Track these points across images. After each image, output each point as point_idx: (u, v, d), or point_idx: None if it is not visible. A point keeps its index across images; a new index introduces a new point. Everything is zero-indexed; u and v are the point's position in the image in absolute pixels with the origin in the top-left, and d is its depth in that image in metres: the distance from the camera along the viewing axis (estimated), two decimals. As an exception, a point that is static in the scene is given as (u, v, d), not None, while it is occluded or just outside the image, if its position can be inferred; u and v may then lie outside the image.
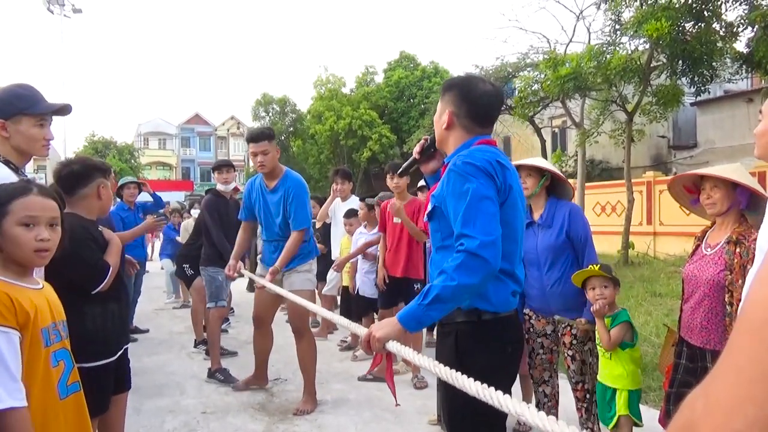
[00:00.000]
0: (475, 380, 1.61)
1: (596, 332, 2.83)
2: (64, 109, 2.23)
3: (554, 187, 3.06)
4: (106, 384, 2.45)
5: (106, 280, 2.39)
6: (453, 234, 1.77)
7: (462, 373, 1.61)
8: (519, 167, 2.86)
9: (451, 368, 1.59)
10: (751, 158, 13.89)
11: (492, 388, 1.31)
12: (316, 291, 6.54)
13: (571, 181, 14.89)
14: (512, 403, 1.20)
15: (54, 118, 2.25)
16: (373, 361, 1.94)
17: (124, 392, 2.71)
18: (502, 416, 1.74)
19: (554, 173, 3.02)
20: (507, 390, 1.81)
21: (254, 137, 3.86)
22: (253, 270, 4.79)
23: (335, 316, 2.59)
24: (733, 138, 15.24)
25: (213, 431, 3.64)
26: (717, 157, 15.44)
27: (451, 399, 1.82)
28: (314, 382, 4.04)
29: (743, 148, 14.62)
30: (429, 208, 1.96)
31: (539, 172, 2.98)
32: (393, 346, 1.74)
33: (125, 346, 2.67)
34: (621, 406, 2.74)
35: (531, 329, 3.08)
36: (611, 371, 2.82)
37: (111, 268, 2.43)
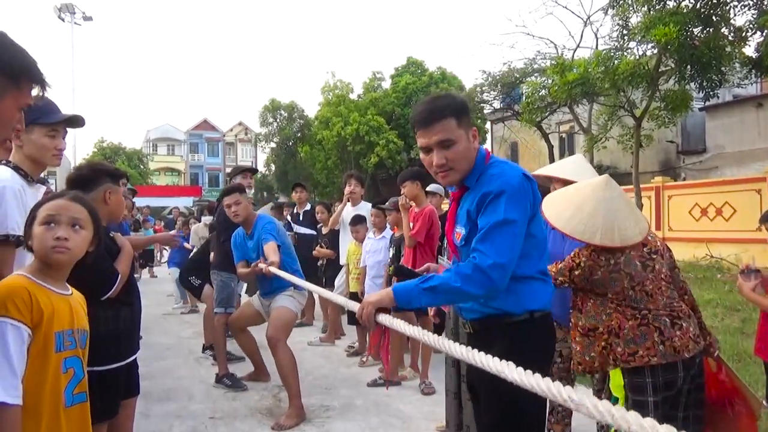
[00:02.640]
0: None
1: None
2: (76, 121, 2.27)
3: None
4: (116, 388, 2.46)
5: (114, 288, 2.40)
6: None
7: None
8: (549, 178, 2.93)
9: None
10: (762, 163, 13.80)
11: (534, 373, 1.22)
12: (317, 297, 6.64)
13: (579, 186, 14.63)
14: (564, 390, 1.10)
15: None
16: (371, 339, 2.03)
17: (133, 397, 2.73)
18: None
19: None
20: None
21: (227, 192, 4.42)
22: (252, 289, 4.92)
23: (333, 295, 2.63)
24: (743, 143, 15.13)
25: (221, 436, 3.64)
26: (726, 162, 15.34)
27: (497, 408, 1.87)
28: (298, 394, 3.88)
29: (752, 153, 14.52)
30: (462, 232, 1.91)
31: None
32: (384, 318, 1.80)
33: (137, 353, 2.68)
34: None
35: None
36: (616, 380, 2.79)
37: (120, 276, 2.43)
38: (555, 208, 2.46)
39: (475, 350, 1.40)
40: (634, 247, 2.40)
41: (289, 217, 7.46)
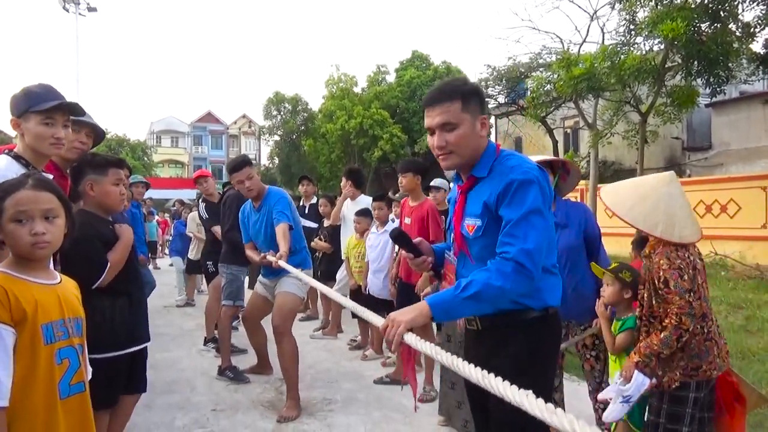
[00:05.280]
0: (545, 374, 1.84)
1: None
2: (73, 109, 2.21)
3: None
4: (114, 378, 2.46)
5: (102, 277, 2.40)
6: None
7: (533, 369, 1.78)
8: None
9: (523, 365, 1.74)
10: (767, 161, 13.71)
11: (549, 404, 1.17)
12: (320, 291, 6.62)
13: (582, 182, 14.65)
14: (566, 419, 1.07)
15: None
16: (403, 358, 1.93)
17: (136, 394, 2.71)
18: None
19: (567, 163, 3.06)
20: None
21: (236, 166, 4.11)
22: (253, 281, 4.85)
23: (351, 302, 2.54)
24: (749, 140, 15.02)
25: (223, 428, 3.65)
26: (732, 159, 15.25)
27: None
28: (297, 386, 3.91)
29: (758, 150, 14.42)
30: (477, 224, 1.83)
31: (551, 168, 2.97)
32: (410, 339, 1.62)
33: (142, 345, 2.66)
34: None
35: None
36: (614, 375, 2.79)
37: (110, 265, 2.42)
38: (616, 197, 2.50)
39: (497, 378, 1.30)
40: (693, 247, 2.42)
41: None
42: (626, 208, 2.43)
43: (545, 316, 1.84)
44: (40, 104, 2.08)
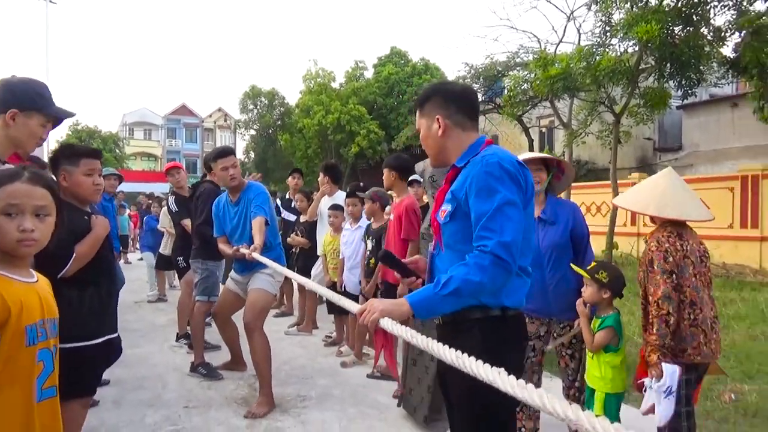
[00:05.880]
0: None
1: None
2: (62, 119, 2.33)
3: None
4: (86, 367, 2.42)
5: (66, 267, 2.37)
6: (472, 236, 1.75)
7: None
8: (528, 161, 2.86)
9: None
10: (735, 162, 14.07)
11: (520, 380, 1.24)
12: (296, 286, 6.58)
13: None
14: (543, 397, 1.13)
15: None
16: (376, 343, 1.95)
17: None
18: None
19: (562, 162, 3.14)
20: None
21: (222, 152, 4.17)
22: (226, 275, 4.80)
23: (327, 291, 2.54)
24: (718, 141, 15.40)
25: (195, 426, 3.59)
26: (701, 160, 15.61)
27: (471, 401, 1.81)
28: (270, 383, 3.88)
29: (727, 152, 14.79)
30: (448, 209, 1.87)
31: (546, 165, 2.99)
32: (386, 323, 1.68)
33: (110, 336, 2.61)
34: (597, 408, 2.75)
35: None
36: (592, 372, 2.83)
37: (74, 256, 2.39)
38: (621, 197, 2.87)
39: (470, 357, 1.37)
40: (694, 239, 2.57)
41: (279, 202, 7.43)
42: (625, 199, 2.78)
43: (503, 317, 1.82)
44: (48, 107, 2.18)
